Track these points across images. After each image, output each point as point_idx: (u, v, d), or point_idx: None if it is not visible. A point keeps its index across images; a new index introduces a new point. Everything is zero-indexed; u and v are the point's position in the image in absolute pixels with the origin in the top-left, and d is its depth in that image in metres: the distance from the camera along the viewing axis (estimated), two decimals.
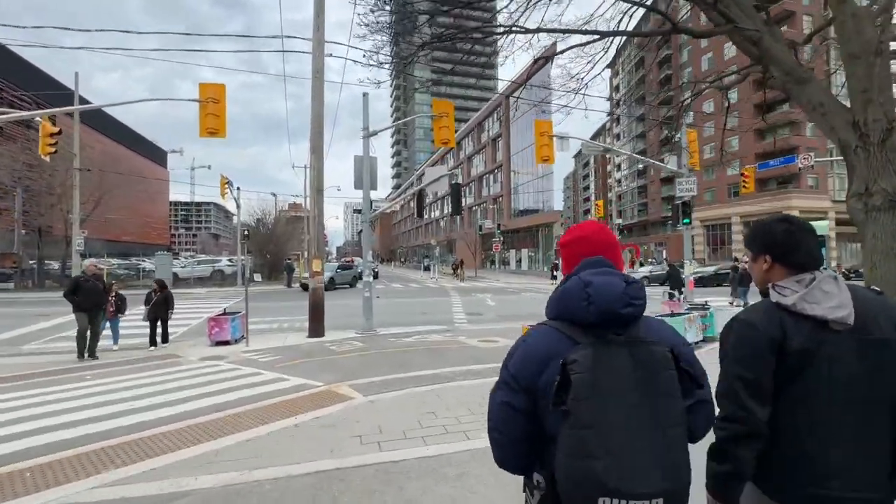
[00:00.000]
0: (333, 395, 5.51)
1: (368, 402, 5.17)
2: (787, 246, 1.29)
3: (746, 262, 1.75)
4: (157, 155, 65.38)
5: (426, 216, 74.58)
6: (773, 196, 45.19)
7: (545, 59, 7.64)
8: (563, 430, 1.01)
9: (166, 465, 3.59)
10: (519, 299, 19.52)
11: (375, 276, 26.48)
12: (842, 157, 3.95)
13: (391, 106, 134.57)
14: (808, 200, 44.14)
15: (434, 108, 11.49)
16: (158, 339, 9.21)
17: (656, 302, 18.99)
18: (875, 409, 1.18)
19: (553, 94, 9.25)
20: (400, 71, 8.52)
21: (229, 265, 27.05)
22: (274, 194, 35.90)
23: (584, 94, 6.97)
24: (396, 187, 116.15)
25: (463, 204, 57.71)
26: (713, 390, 1.22)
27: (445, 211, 64.25)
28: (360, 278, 27.06)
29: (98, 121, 39.94)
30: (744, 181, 19.59)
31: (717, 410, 1.22)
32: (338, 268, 24.70)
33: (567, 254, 1.30)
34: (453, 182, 10.70)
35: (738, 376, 1.21)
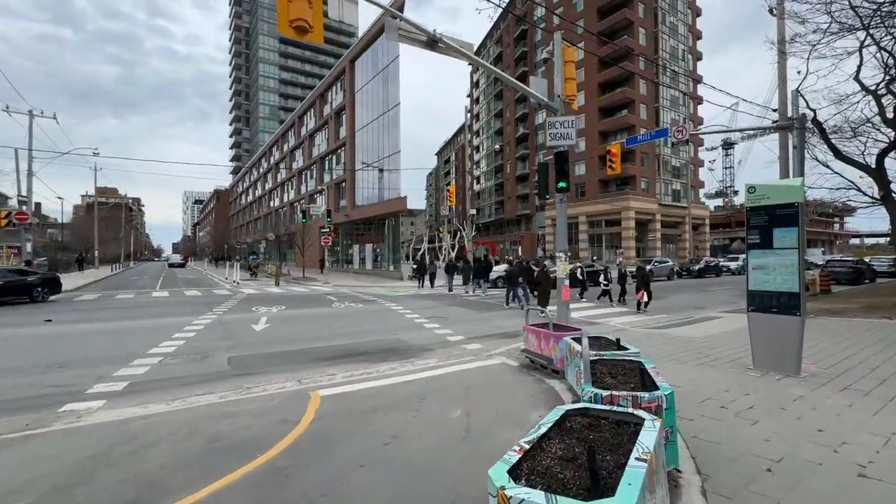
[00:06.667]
0: None
1: None
2: None
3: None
4: None
5: (265, 204, 62.31)
6: (614, 197, 46.91)
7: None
8: None
9: None
10: (320, 316, 12.55)
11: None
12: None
13: (230, 67, 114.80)
14: (642, 202, 46.82)
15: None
16: None
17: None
18: None
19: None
20: None
21: None
22: None
23: None
24: (235, 171, 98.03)
25: (303, 190, 48.31)
26: None
27: (286, 199, 53.69)
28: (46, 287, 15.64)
29: None
30: (610, 160, 16.41)
31: None
32: None
33: None
34: None
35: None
